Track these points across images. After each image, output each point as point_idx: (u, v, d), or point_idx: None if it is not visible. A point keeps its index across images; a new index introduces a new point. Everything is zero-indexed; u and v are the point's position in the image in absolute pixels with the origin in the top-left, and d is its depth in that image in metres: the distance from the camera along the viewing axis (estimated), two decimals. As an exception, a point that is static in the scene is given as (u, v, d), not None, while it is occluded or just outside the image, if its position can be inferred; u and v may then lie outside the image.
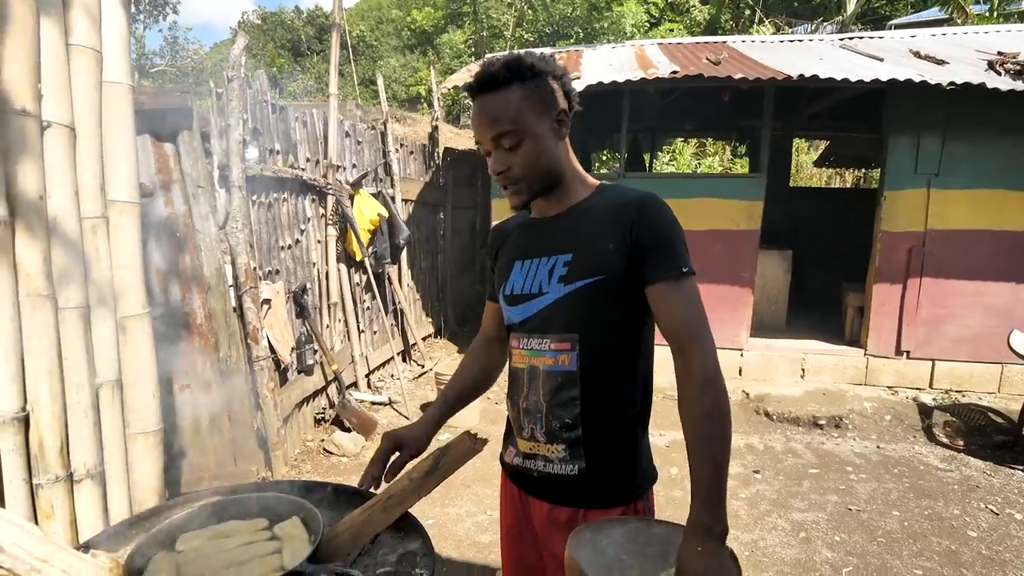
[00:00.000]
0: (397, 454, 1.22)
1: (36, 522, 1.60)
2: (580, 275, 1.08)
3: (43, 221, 1.58)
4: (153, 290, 2.50)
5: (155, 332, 1.98)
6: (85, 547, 1.06)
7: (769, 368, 5.11)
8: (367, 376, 4.72)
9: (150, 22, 12.37)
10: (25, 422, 1.58)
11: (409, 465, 1.22)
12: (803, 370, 5.07)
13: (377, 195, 4.83)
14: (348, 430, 3.91)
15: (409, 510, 1.16)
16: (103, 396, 1.76)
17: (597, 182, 1.18)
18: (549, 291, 1.11)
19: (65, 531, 1.63)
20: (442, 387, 4.23)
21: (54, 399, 1.60)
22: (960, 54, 5.12)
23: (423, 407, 4.64)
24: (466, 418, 4.23)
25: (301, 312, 3.83)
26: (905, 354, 4.89)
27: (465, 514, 3.08)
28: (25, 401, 1.57)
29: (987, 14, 8.44)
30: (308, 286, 3.97)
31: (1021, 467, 3.67)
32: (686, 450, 1.00)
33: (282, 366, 3.51)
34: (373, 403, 4.43)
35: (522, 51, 1.13)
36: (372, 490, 1.20)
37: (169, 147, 2.64)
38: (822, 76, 4.31)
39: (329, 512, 1.20)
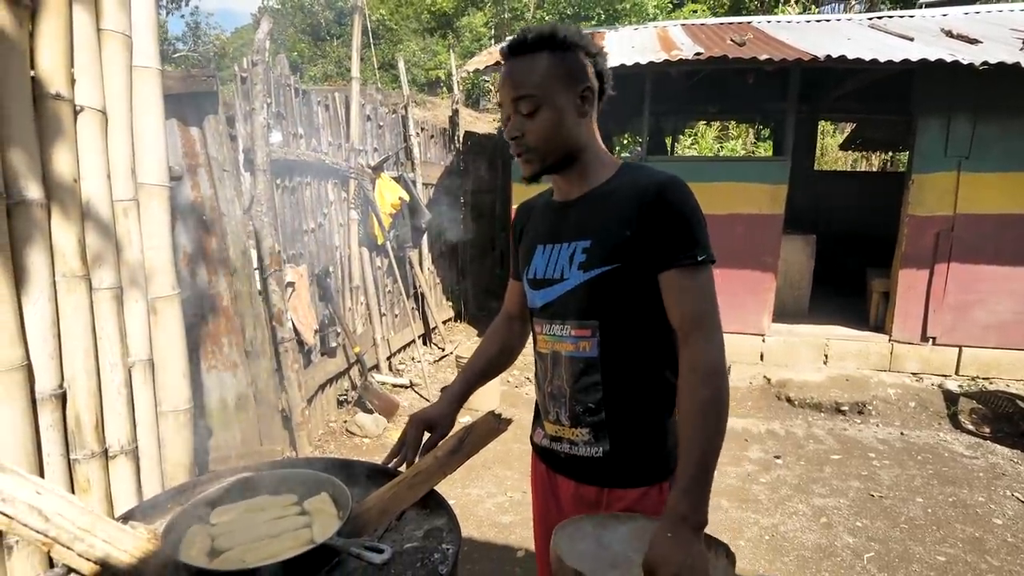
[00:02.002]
0: (428, 435, 1.25)
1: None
2: (598, 262, 1.07)
3: (77, 204, 1.62)
4: (181, 273, 2.55)
5: (183, 314, 2.03)
6: (124, 518, 1.10)
7: (791, 353, 5.05)
8: (388, 359, 4.78)
9: (172, 8, 12.47)
10: (62, 399, 1.64)
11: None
12: (826, 356, 5.00)
13: (398, 179, 4.84)
14: (370, 412, 3.97)
15: (435, 489, 1.18)
16: (136, 375, 1.82)
17: (619, 162, 1.16)
18: (570, 277, 1.11)
19: (101, 505, 1.70)
20: (462, 367, 4.27)
21: (89, 377, 1.66)
22: (993, 32, 4.93)
23: (443, 390, 4.67)
24: (485, 402, 4.26)
25: (324, 295, 3.87)
26: (931, 340, 4.80)
27: (486, 495, 3.12)
28: (62, 379, 1.63)
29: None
30: (331, 269, 4.01)
31: (1049, 456, 3.59)
32: (679, 439, 1.00)
33: (306, 348, 3.56)
34: (395, 385, 4.49)
35: (560, 24, 1.11)
36: (394, 467, 1.23)
37: (195, 131, 2.67)
38: (850, 57, 4.18)
39: (356, 489, 1.22)
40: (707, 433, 0.95)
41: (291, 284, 3.39)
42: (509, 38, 1.10)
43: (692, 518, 0.91)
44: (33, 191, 1.52)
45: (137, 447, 1.82)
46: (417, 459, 1.22)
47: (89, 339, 1.66)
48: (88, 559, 0.93)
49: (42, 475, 1.61)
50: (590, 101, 1.09)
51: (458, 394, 1.31)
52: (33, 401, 1.55)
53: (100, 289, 1.69)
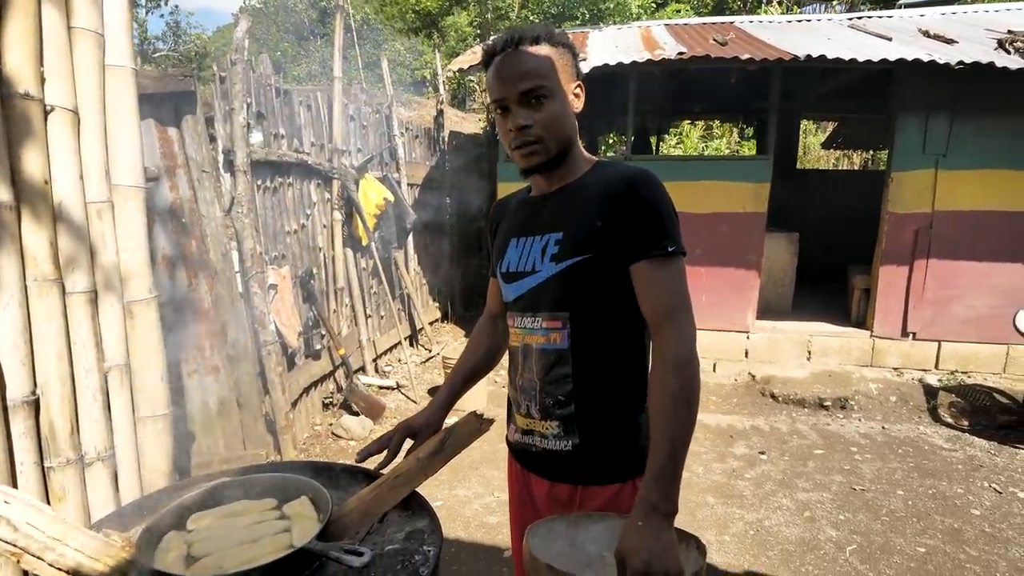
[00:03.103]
0: (412, 442, 1.25)
1: (48, 504, 1.63)
2: (569, 253, 1.07)
3: (48, 206, 1.59)
4: (160, 275, 2.50)
5: (162, 317, 1.99)
6: (96, 526, 1.08)
7: (775, 350, 5.11)
8: (374, 360, 4.75)
9: (152, 6, 12.27)
10: (35, 406, 1.60)
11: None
12: (809, 352, 5.07)
13: (383, 179, 4.81)
14: (356, 414, 3.94)
15: (417, 490, 1.17)
16: (112, 380, 1.78)
17: (594, 159, 1.18)
18: (542, 269, 1.11)
19: (77, 513, 1.66)
20: (449, 371, 4.27)
21: (63, 383, 1.62)
22: (969, 33, 5.02)
23: (431, 391, 4.66)
24: (472, 403, 4.25)
25: (308, 297, 3.84)
26: (911, 335, 4.88)
27: (473, 496, 3.11)
28: (35, 385, 1.59)
29: (997, -9, 8.25)
30: (314, 271, 3.97)
31: (1024, 446, 3.67)
32: (649, 427, 1.00)
33: (289, 351, 3.53)
34: (381, 387, 4.46)
35: (542, 24, 1.15)
36: (376, 470, 1.22)
37: (173, 132, 2.63)
38: (830, 56, 4.25)
39: (337, 492, 1.21)
40: (677, 423, 0.96)
41: (273, 286, 3.35)
42: (497, 36, 1.10)
43: (663, 507, 0.91)
44: (2, 193, 1.49)
45: (114, 454, 1.79)
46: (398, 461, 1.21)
47: (63, 344, 1.62)
48: (60, 569, 0.91)
49: (15, 484, 1.57)
50: (580, 97, 1.11)
51: (444, 401, 1.31)
52: (4, 408, 1.52)
53: (74, 293, 1.66)
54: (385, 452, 1.22)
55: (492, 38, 1.11)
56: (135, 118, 1.86)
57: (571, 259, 1.08)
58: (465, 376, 1.36)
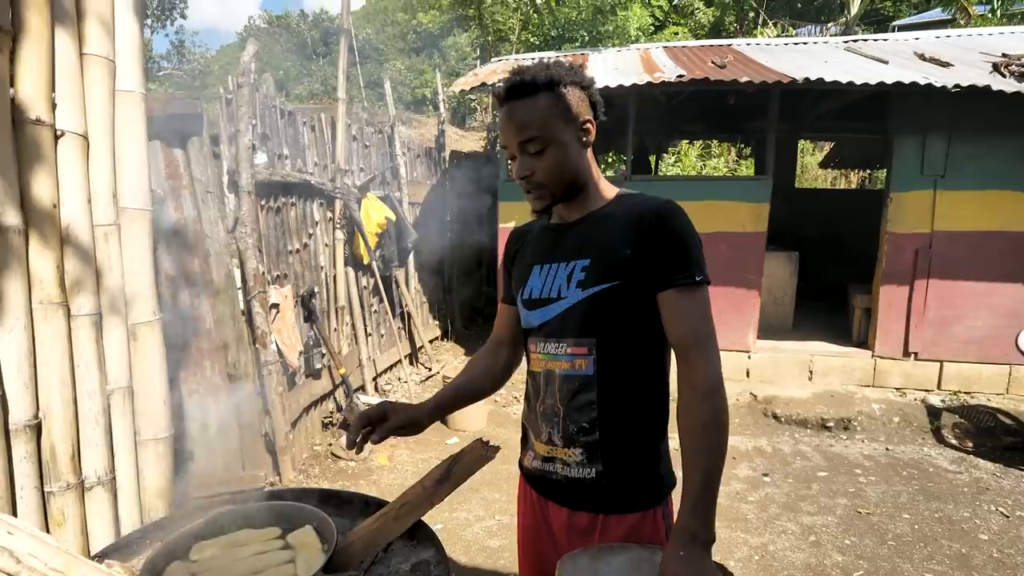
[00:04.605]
0: (384, 423, 1.20)
1: (47, 530, 1.61)
2: (597, 280, 1.09)
3: (56, 229, 1.60)
4: (163, 295, 2.51)
5: (165, 338, 1.99)
6: (99, 557, 1.06)
7: (776, 370, 5.08)
8: (375, 379, 4.73)
9: (157, 26, 12.45)
10: (37, 429, 1.59)
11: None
12: (811, 372, 5.04)
13: (384, 198, 4.83)
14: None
15: (423, 519, 1.16)
16: (114, 403, 1.78)
17: (617, 189, 1.19)
18: (567, 295, 1.12)
19: (76, 539, 1.64)
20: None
21: (66, 406, 1.62)
22: (964, 56, 5.09)
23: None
24: (473, 421, 4.23)
25: (309, 316, 3.83)
26: (913, 355, 4.86)
27: (474, 519, 3.08)
28: (38, 408, 1.59)
29: (990, 15, 8.36)
30: (316, 290, 3.97)
31: (1030, 469, 3.64)
32: (681, 457, 1.01)
33: (290, 370, 3.51)
34: (380, 407, 4.42)
35: (552, 60, 1.15)
36: (356, 454, 1.16)
37: (179, 153, 2.66)
38: (827, 79, 4.29)
39: (340, 520, 1.20)
40: (710, 450, 0.98)
41: (275, 305, 3.35)
42: (503, 76, 1.12)
43: (702, 535, 0.93)
44: (11, 217, 1.50)
45: (115, 478, 1.77)
46: (359, 440, 1.17)
47: (66, 368, 1.62)
48: (62, 602, 0.89)
49: (14, 509, 1.55)
50: (589, 132, 1.13)
51: (428, 405, 1.26)
52: (6, 432, 1.51)
53: (79, 316, 1.66)
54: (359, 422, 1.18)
55: (501, 81, 1.13)
56: (143, 142, 1.88)
57: (598, 286, 1.09)
58: (455, 389, 1.32)
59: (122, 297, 1.81)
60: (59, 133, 1.60)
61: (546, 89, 1.07)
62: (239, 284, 3.09)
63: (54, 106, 1.58)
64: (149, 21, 12.12)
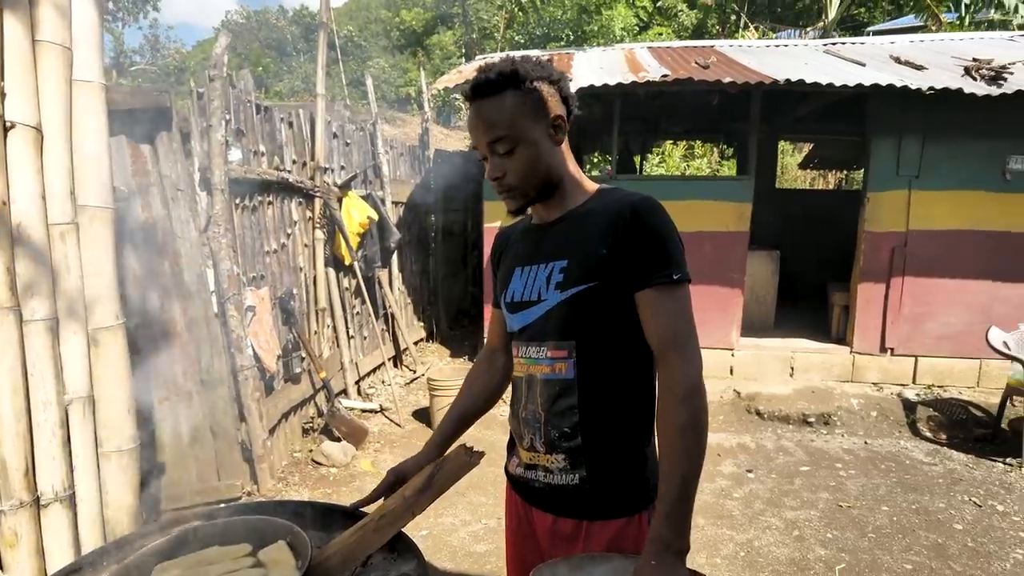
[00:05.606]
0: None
1: (-1, 551, 1.50)
2: (575, 281, 1.05)
3: (6, 228, 1.49)
4: (130, 299, 2.39)
5: (132, 343, 1.88)
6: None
7: (759, 367, 5.12)
8: (357, 383, 4.62)
9: (129, 20, 12.12)
10: (-13, 444, 1.48)
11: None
12: (792, 368, 5.09)
13: (367, 197, 4.73)
14: (337, 439, 3.81)
15: (403, 530, 1.09)
16: (73, 413, 1.67)
17: (596, 186, 1.15)
18: (547, 298, 1.09)
19: (31, 560, 1.53)
20: (434, 393, 4.19)
21: (18, 418, 1.51)
22: (937, 60, 5.18)
23: (415, 414, 4.55)
24: (457, 425, 4.14)
25: (288, 319, 3.72)
26: (889, 351, 4.95)
27: (460, 524, 3.01)
28: (-13, 421, 1.48)
29: (957, 22, 8.63)
30: (295, 292, 3.86)
31: (1000, 459, 3.75)
32: (659, 461, 0.98)
33: (268, 375, 3.40)
34: (364, 411, 4.33)
35: (518, 56, 1.10)
36: (363, 509, 1.15)
37: (146, 148, 2.54)
38: (808, 81, 4.33)
39: (317, 534, 1.14)
40: (688, 456, 0.95)
41: (251, 308, 3.24)
42: (472, 70, 1.07)
43: (675, 544, 0.90)
44: (-45, 215, 1.39)
45: (74, 493, 1.66)
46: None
47: (18, 376, 1.51)
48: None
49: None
50: (562, 128, 1.09)
51: (437, 443, 1.26)
52: (-49, 448, 1.40)
53: (32, 321, 1.55)
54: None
55: (469, 79, 1.09)
56: (104, 136, 1.77)
57: (576, 287, 1.05)
58: (462, 414, 1.31)
59: (81, 300, 1.70)
60: (8, 125, 1.49)
61: (512, 86, 1.03)
62: (212, 286, 2.97)
63: (3, 96, 1.47)
64: (121, 14, 11.78)
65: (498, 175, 1.07)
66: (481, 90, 1.04)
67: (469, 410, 1.31)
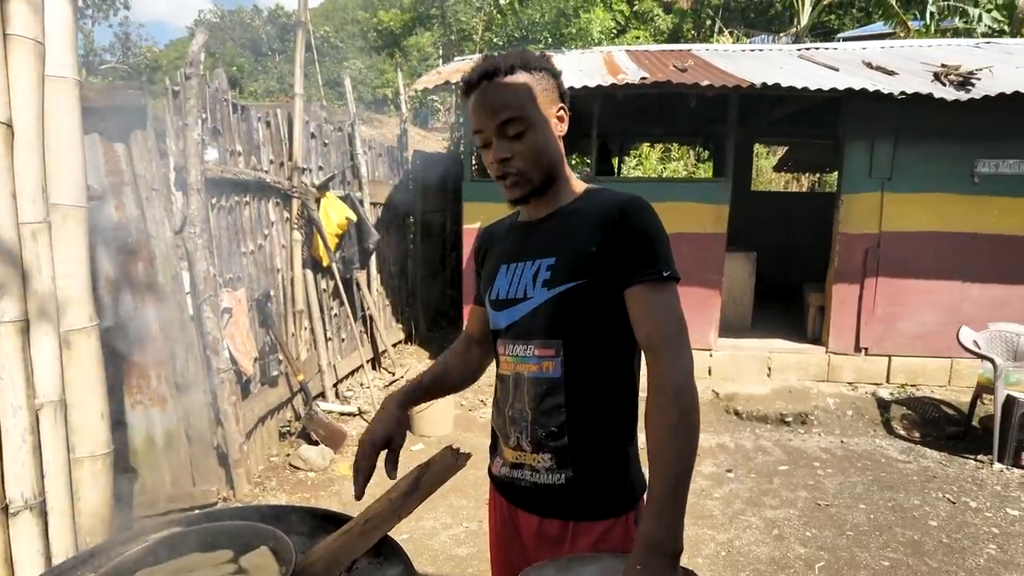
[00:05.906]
0: (386, 452, 1.14)
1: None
2: (563, 279, 1.05)
3: (-26, 227, 1.44)
4: (103, 300, 2.33)
5: (104, 345, 1.84)
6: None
7: (737, 367, 5.19)
8: (335, 386, 4.57)
9: (99, 17, 11.79)
10: (-47, 450, 1.43)
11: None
12: (769, 369, 5.17)
13: (345, 198, 4.69)
14: (315, 443, 3.76)
15: (389, 534, 1.08)
16: (44, 418, 1.62)
17: (585, 185, 1.16)
18: (534, 296, 1.08)
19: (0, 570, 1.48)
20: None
21: (-13, 423, 1.46)
22: (908, 66, 5.35)
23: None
24: (439, 427, 4.13)
25: (264, 321, 3.67)
26: (864, 351, 5.06)
27: (441, 527, 3.00)
28: (-47, 426, 1.43)
29: (924, 29, 8.97)
30: (272, 293, 3.81)
31: (972, 456, 3.85)
32: (648, 460, 0.96)
33: (244, 378, 3.34)
34: (342, 414, 4.28)
35: (520, 50, 1.12)
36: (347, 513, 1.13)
37: (120, 147, 2.48)
38: (784, 85, 4.43)
39: (300, 539, 1.12)
40: (679, 454, 0.93)
41: (228, 310, 3.18)
42: (471, 63, 1.07)
43: (668, 544, 0.87)
44: (-81, 213, 1.34)
45: (45, 500, 1.61)
46: (389, 477, 1.12)
47: (-13, 380, 1.47)
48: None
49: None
50: (564, 120, 1.09)
51: (401, 400, 1.19)
52: (-86, 454, 1.35)
53: (2, 322, 1.50)
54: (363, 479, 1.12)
55: (469, 70, 1.08)
56: (78, 133, 1.73)
57: (564, 285, 1.05)
58: (434, 378, 1.26)
59: (53, 301, 1.65)
60: (-23, 121, 1.45)
61: (523, 69, 1.04)
62: (188, 288, 2.91)
63: (-29, 91, 1.43)
64: (91, 11, 11.45)
65: (506, 156, 1.04)
66: (492, 73, 1.03)
67: (441, 376, 1.27)
